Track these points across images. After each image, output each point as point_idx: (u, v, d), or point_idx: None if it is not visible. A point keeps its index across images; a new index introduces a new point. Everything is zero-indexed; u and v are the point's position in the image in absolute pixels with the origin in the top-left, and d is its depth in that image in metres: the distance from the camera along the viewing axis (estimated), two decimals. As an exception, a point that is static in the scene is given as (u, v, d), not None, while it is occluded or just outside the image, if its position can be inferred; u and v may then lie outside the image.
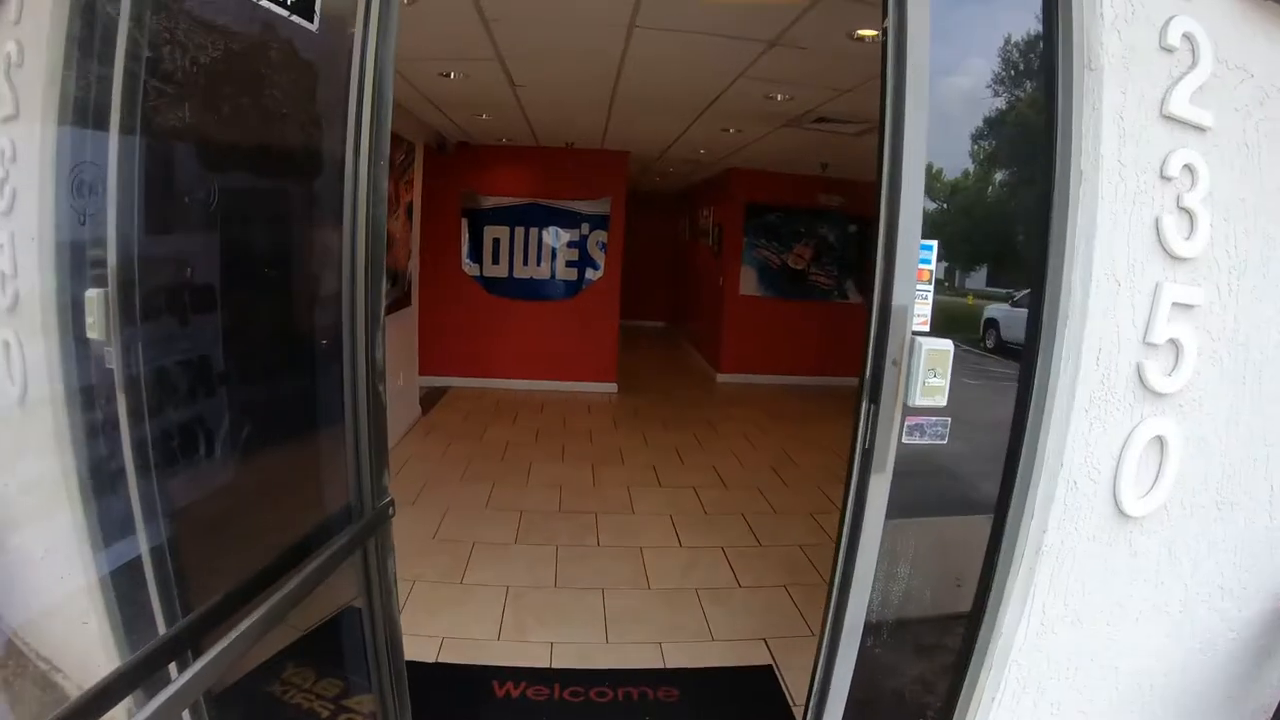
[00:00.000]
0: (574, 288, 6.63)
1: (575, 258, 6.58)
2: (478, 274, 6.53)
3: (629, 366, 7.92)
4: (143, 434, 1.37)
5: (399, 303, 4.76)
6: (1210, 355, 1.40)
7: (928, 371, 1.26)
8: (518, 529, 3.59)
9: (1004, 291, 1.71)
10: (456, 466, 4.43)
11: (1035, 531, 1.36)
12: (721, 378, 7.83)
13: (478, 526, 3.58)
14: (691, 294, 10.20)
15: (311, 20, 1.32)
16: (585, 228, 6.56)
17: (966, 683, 1.51)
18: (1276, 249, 1.43)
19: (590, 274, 6.61)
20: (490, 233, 6.51)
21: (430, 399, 6.09)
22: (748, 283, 7.56)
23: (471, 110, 4.84)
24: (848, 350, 8.52)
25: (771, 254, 7.55)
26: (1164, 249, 1.32)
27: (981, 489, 1.48)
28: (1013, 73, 1.48)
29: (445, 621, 2.63)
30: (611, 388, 6.87)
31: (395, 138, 4.90)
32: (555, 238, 6.55)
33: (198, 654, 1.03)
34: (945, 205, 1.44)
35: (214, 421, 1.51)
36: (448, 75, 3.76)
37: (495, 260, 6.60)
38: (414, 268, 5.10)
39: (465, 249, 6.54)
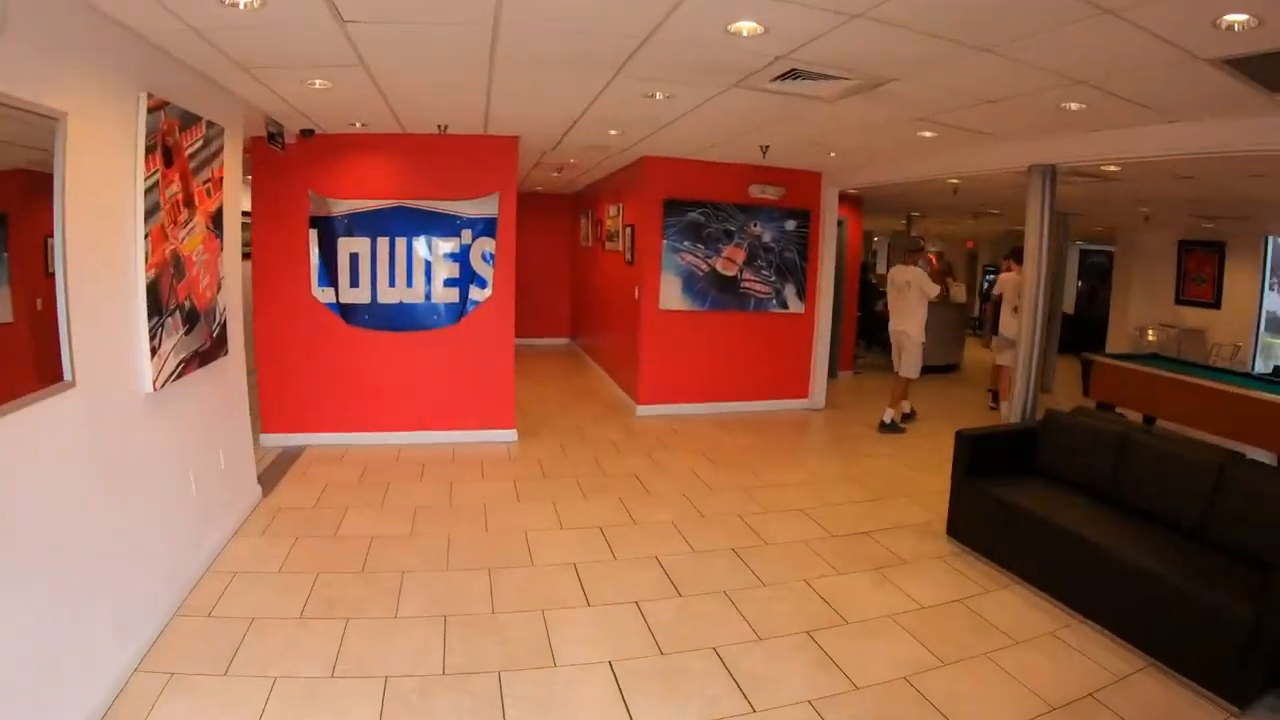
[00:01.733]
0: (456, 312, 5.77)
1: (456, 274, 5.73)
2: (333, 301, 5.57)
3: (530, 400, 7.24)
4: None
5: (205, 354, 3.58)
6: None
7: None
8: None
9: None
10: (297, 591, 3.40)
11: None
12: (642, 410, 7.15)
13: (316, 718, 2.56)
14: (598, 308, 9.52)
15: None
16: (467, 235, 5.71)
17: None
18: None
19: (476, 293, 5.75)
20: (346, 247, 5.57)
21: (279, 468, 5.16)
22: (669, 294, 6.96)
23: (291, 71, 3.62)
24: (789, 369, 7.47)
25: (697, 259, 6.99)
26: None
27: None
28: None
29: None
30: (510, 435, 6.06)
31: (184, 114, 3.25)
32: (430, 249, 5.69)
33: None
34: None
35: None
36: (235, 4, 2.61)
37: (354, 282, 5.62)
38: (228, 301, 3.90)
39: (315, 269, 5.54)
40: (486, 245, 5.82)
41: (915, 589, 3.85)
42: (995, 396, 8.28)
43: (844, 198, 9.07)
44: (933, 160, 5.86)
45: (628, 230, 7.62)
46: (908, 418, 7.37)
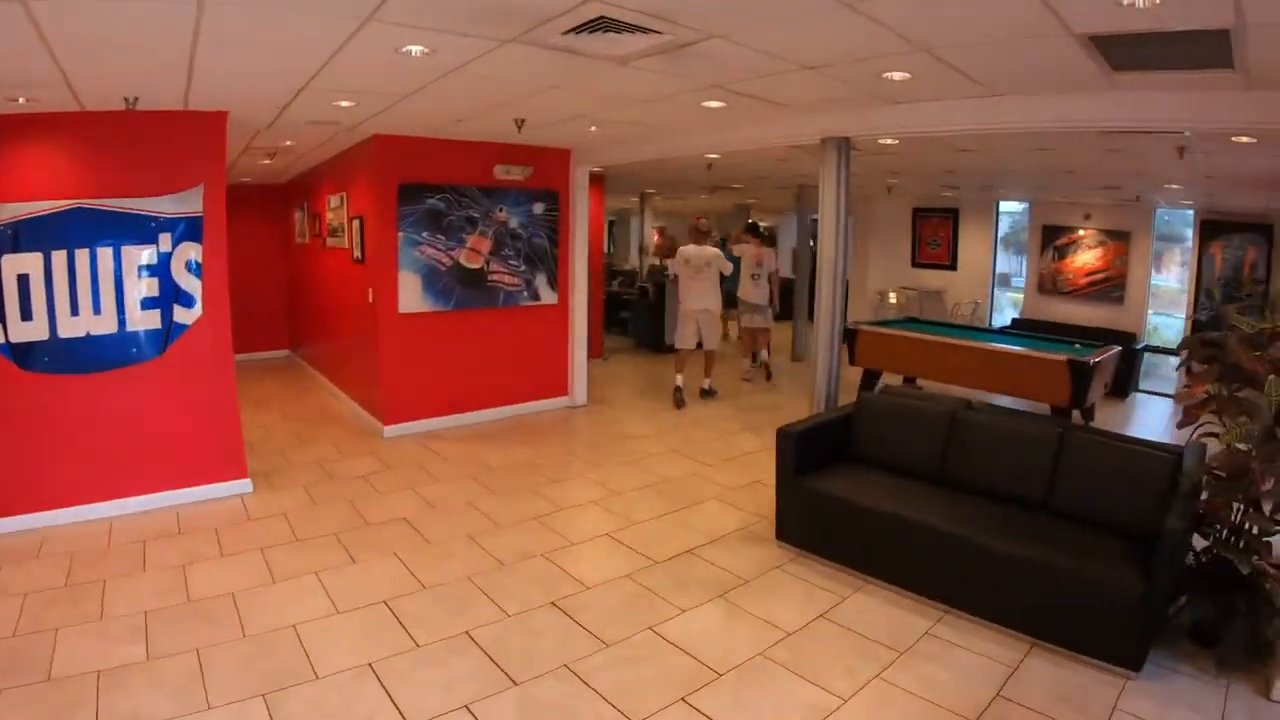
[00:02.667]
0: (160, 341, 5.43)
1: (155, 292, 5.35)
2: (1, 342, 4.98)
3: (256, 433, 7.00)
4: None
5: None
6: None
7: None
8: None
9: None
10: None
11: None
12: (391, 431, 7.24)
13: None
14: (323, 314, 9.32)
15: None
16: (166, 240, 5.34)
17: None
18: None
19: (183, 315, 5.46)
20: (11, 267, 4.93)
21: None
22: (409, 295, 7.13)
23: None
24: (546, 366, 7.92)
25: (439, 251, 7.23)
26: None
27: None
28: None
29: None
30: (244, 487, 5.82)
31: None
32: (120, 262, 5.23)
33: None
34: None
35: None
36: None
37: (26, 314, 5.02)
38: None
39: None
40: (191, 252, 5.39)
41: (771, 611, 4.09)
42: (755, 358, 10.67)
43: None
44: (712, 133, 6.42)
45: (355, 223, 7.53)
46: (707, 393, 9.22)
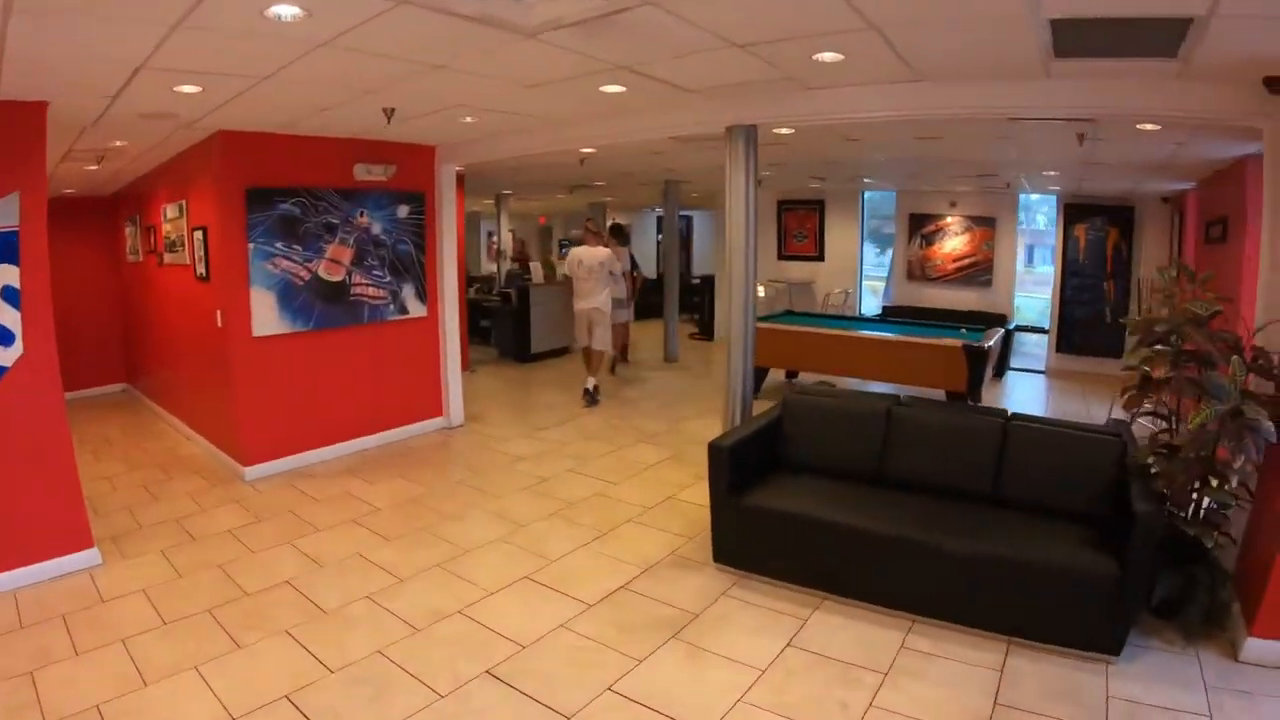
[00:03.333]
0: None
1: None
2: None
3: (98, 488, 6.29)
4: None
5: None
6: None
7: None
8: None
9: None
10: None
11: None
12: (254, 473, 6.57)
13: None
14: (165, 341, 8.47)
15: None
16: None
17: None
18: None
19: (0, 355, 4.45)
20: None
21: None
22: (264, 315, 6.50)
23: None
24: (419, 385, 7.91)
25: (295, 264, 6.65)
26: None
27: None
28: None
29: None
30: (91, 559, 4.97)
31: None
32: None
33: None
34: None
35: None
36: None
37: None
38: None
39: None
40: (7, 276, 4.55)
41: (733, 647, 3.84)
42: (624, 353, 11.34)
43: None
44: (601, 124, 6.13)
45: (197, 235, 6.84)
46: (592, 394, 9.33)
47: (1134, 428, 4.58)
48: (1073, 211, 12.01)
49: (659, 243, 20.62)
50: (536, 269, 12.68)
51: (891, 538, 4.13)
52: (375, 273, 7.29)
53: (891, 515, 4.28)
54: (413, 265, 7.62)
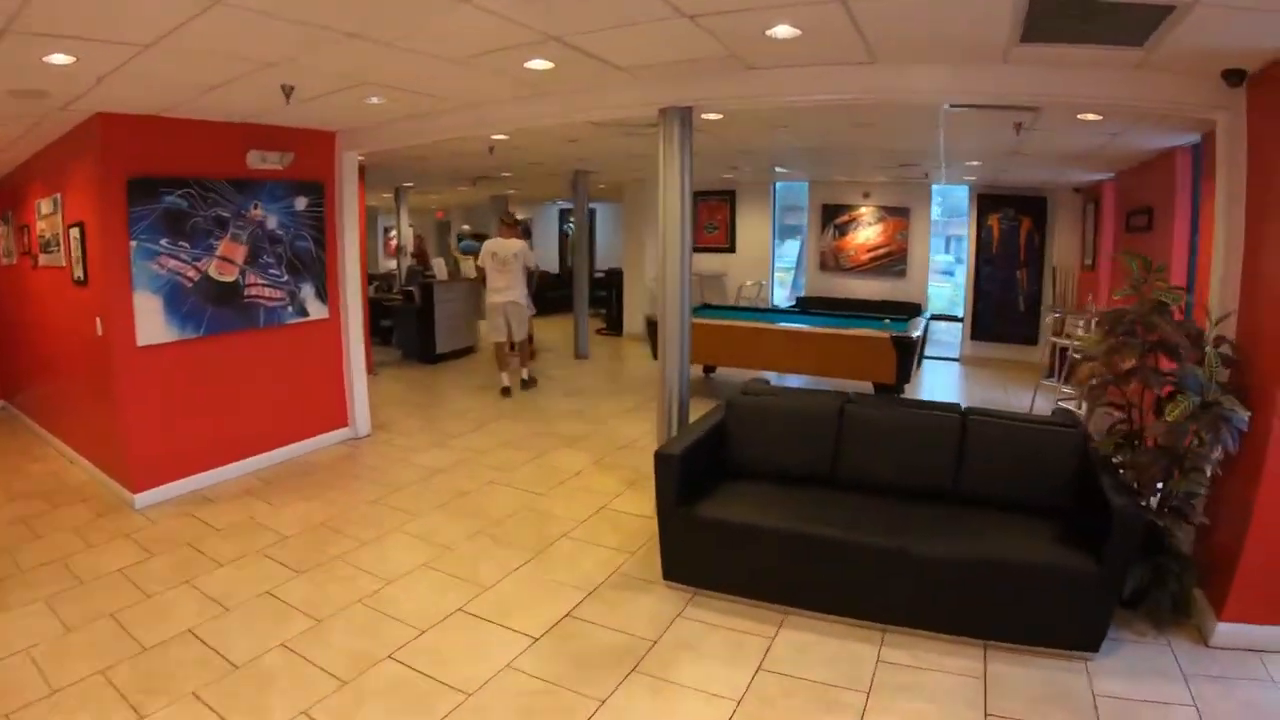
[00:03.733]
0: None
1: None
2: None
3: None
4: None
5: None
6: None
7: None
8: None
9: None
10: None
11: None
12: (144, 500, 6.01)
13: None
14: (41, 353, 7.77)
15: None
16: None
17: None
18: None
19: None
20: None
21: None
22: (150, 321, 5.99)
23: None
24: (322, 394, 7.42)
25: (183, 263, 6.17)
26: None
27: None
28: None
29: None
30: None
31: None
32: None
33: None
34: None
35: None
36: None
37: None
38: None
39: None
40: None
41: (702, 677, 3.61)
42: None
43: None
44: (521, 105, 5.80)
45: (73, 233, 6.27)
46: (507, 391, 9.56)
47: (1061, 414, 4.78)
48: (986, 201, 12.30)
49: (567, 235, 20.33)
50: (440, 265, 12.23)
51: (855, 544, 3.99)
52: (272, 271, 6.84)
53: (852, 520, 4.16)
54: (312, 262, 7.18)
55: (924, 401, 5.05)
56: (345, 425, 7.65)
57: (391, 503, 6.00)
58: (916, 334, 7.97)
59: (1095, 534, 3.71)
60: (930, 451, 4.56)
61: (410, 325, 12.15)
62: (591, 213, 18.96)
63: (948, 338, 13.30)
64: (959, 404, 4.85)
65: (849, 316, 9.63)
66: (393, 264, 15.88)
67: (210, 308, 6.39)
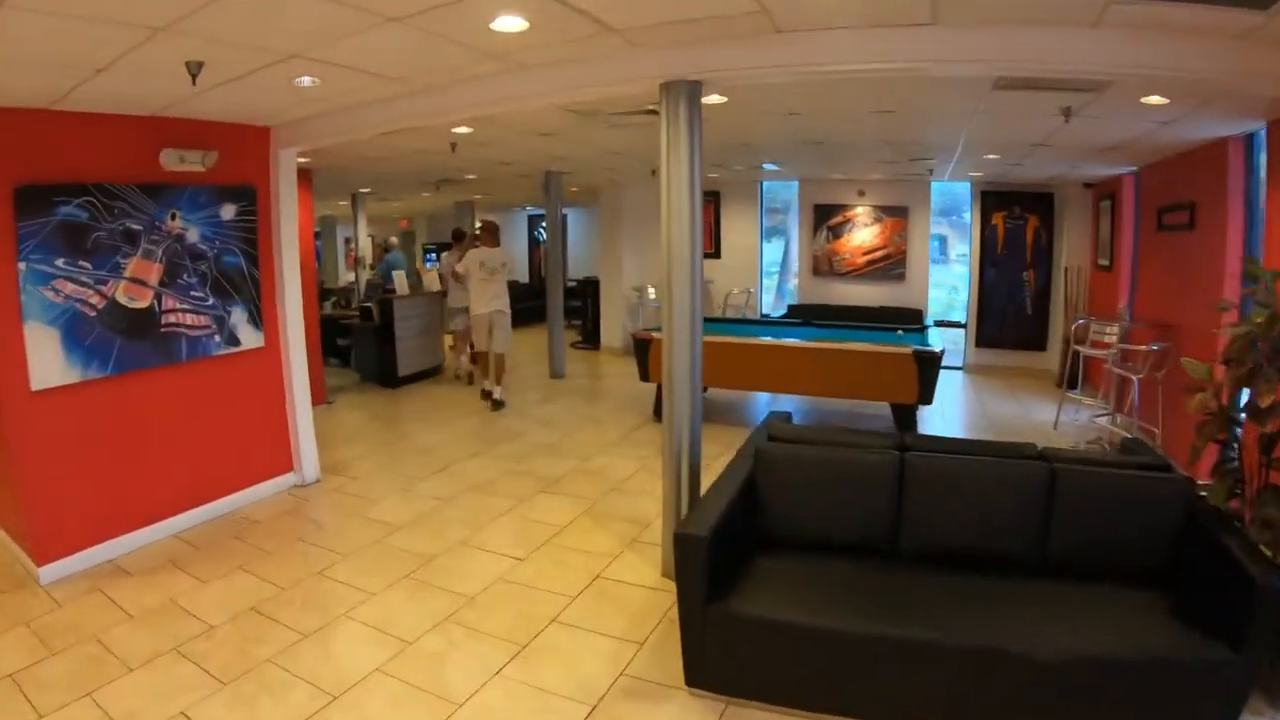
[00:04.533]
0: None
1: None
2: None
3: None
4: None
5: None
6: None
7: None
8: None
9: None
10: None
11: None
12: (54, 573, 5.03)
13: None
14: None
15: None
16: None
17: None
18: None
19: None
20: None
21: None
22: (46, 359, 4.97)
23: None
24: (260, 436, 6.41)
25: (84, 287, 5.16)
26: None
27: None
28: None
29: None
30: None
31: None
32: None
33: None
34: None
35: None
36: None
37: None
38: None
39: None
40: None
41: None
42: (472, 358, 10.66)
43: None
44: (487, 86, 4.83)
45: None
46: (489, 396, 9.47)
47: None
48: (990, 199, 11.49)
49: (538, 242, 19.35)
50: (400, 278, 11.14)
51: (929, 644, 3.11)
52: (194, 294, 5.80)
53: (922, 609, 3.30)
54: (244, 282, 6.15)
55: (998, 445, 4.04)
56: (290, 470, 6.65)
57: (341, 574, 4.98)
58: (940, 348, 7.05)
59: (1218, 610, 3.08)
60: (1012, 509, 3.69)
61: (369, 346, 11.08)
62: (563, 219, 17.93)
63: (952, 345, 12.40)
64: (1036, 445, 3.97)
65: (855, 328, 8.75)
66: (354, 277, 14.73)
67: (120, 340, 5.36)
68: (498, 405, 9.49)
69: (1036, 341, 11.52)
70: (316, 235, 18.58)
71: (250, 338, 6.21)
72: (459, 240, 11.38)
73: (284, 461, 6.57)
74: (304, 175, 8.81)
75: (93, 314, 5.18)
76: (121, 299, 5.35)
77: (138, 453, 5.53)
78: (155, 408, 5.63)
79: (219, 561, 5.20)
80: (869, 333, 8.52)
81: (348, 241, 25.40)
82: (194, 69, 4.13)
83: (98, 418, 5.27)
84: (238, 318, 6.10)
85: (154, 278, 5.54)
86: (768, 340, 7.85)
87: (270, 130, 6.20)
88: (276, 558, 5.25)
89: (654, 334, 8.11)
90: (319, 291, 12.97)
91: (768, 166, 10.41)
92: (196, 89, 4.47)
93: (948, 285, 15.30)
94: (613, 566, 4.89)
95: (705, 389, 8.57)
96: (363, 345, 11.29)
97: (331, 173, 9.42)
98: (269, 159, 6.27)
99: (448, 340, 11.87)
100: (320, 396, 9.17)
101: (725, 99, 5.34)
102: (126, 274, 5.39)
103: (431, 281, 11.66)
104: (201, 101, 4.97)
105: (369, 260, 14.01)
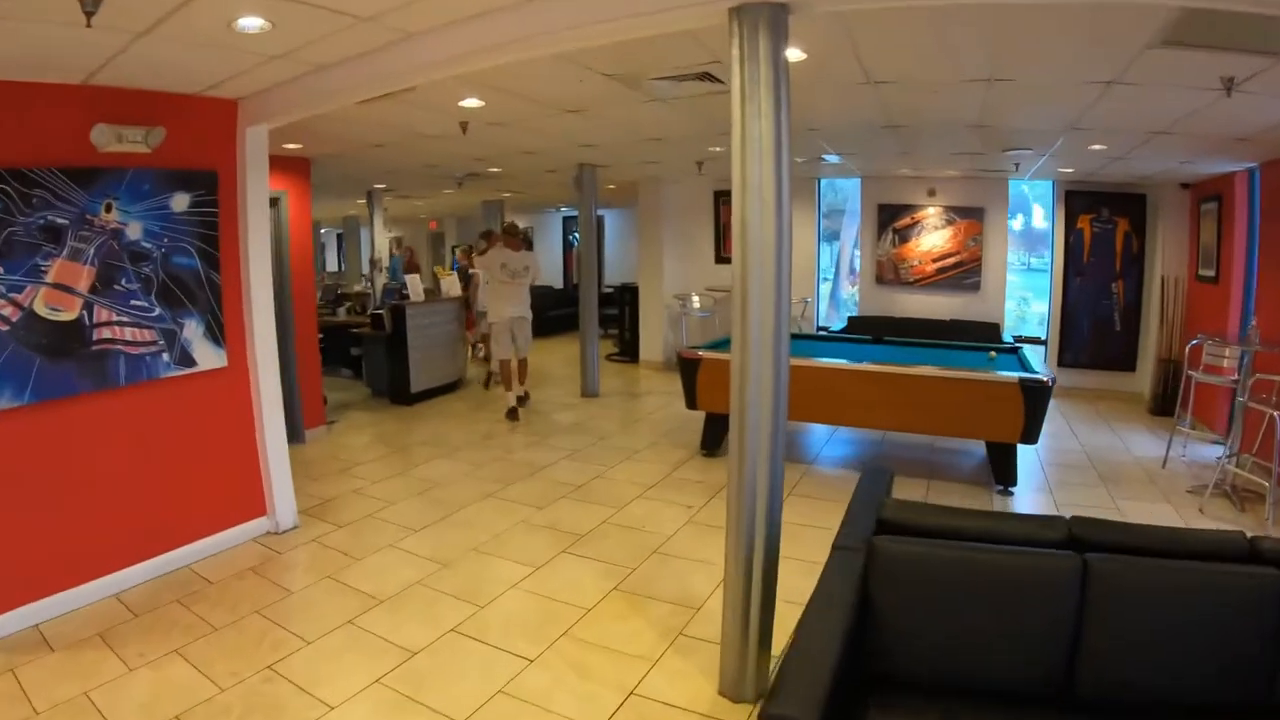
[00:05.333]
0: None
1: None
2: None
3: None
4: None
5: None
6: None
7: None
8: None
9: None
10: None
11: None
12: None
13: None
14: None
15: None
16: None
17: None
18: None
19: None
20: None
21: None
22: None
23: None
24: (222, 475, 5.28)
25: None
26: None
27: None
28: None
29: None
30: None
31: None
32: None
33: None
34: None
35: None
36: None
37: None
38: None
39: None
40: None
41: None
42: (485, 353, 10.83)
43: (281, 164, 6.98)
44: (498, 23, 3.57)
45: None
46: (514, 414, 8.95)
47: None
48: (1076, 200, 10.22)
49: (573, 246, 18.23)
50: (415, 282, 10.00)
51: None
52: (135, 303, 4.71)
53: None
54: (200, 288, 5.05)
55: (1208, 538, 2.69)
56: (262, 514, 5.53)
57: (297, 670, 3.81)
58: (1050, 376, 5.81)
59: None
60: (1234, 638, 2.48)
61: (379, 357, 9.94)
62: (599, 220, 16.76)
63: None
64: (1245, 534, 2.70)
65: (933, 346, 7.48)
66: (370, 280, 13.67)
67: (40, 360, 4.31)
68: (523, 401, 9.30)
69: (1124, 361, 10.20)
70: (339, 237, 17.69)
71: (209, 356, 5.09)
72: (488, 241, 10.83)
73: (254, 504, 5.47)
74: (301, 166, 7.83)
75: (4, 328, 4.13)
76: (41, 309, 4.29)
77: (66, 498, 4.48)
78: (88, 442, 4.57)
79: (156, 638, 4.12)
80: (951, 353, 7.30)
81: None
82: (88, 6, 2.98)
83: (12, 456, 4.24)
84: (192, 332, 4.99)
85: (83, 283, 4.47)
86: (839, 364, 6.58)
87: (237, 104, 5.07)
88: (224, 638, 4.13)
89: (703, 353, 6.92)
90: (334, 296, 11.96)
91: (829, 159, 9.08)
92: (120, 57, 3.28)
93: (1015, 295, 13.87)
94: (652, 677, 3.67)
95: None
96: (373, 357, 10.18)
97: (335, 164, 8.34)
98: (234, 139, 5.14)
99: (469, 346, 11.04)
100: (319, 417, 8.10)
101: (805, 55, 4.22)
102: (48, 279, 4.34)
103: (451, 286, 10.49)
104: (132, 62, 3.93)
105: (385, 262, 12.91)
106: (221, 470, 5.28)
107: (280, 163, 7.17)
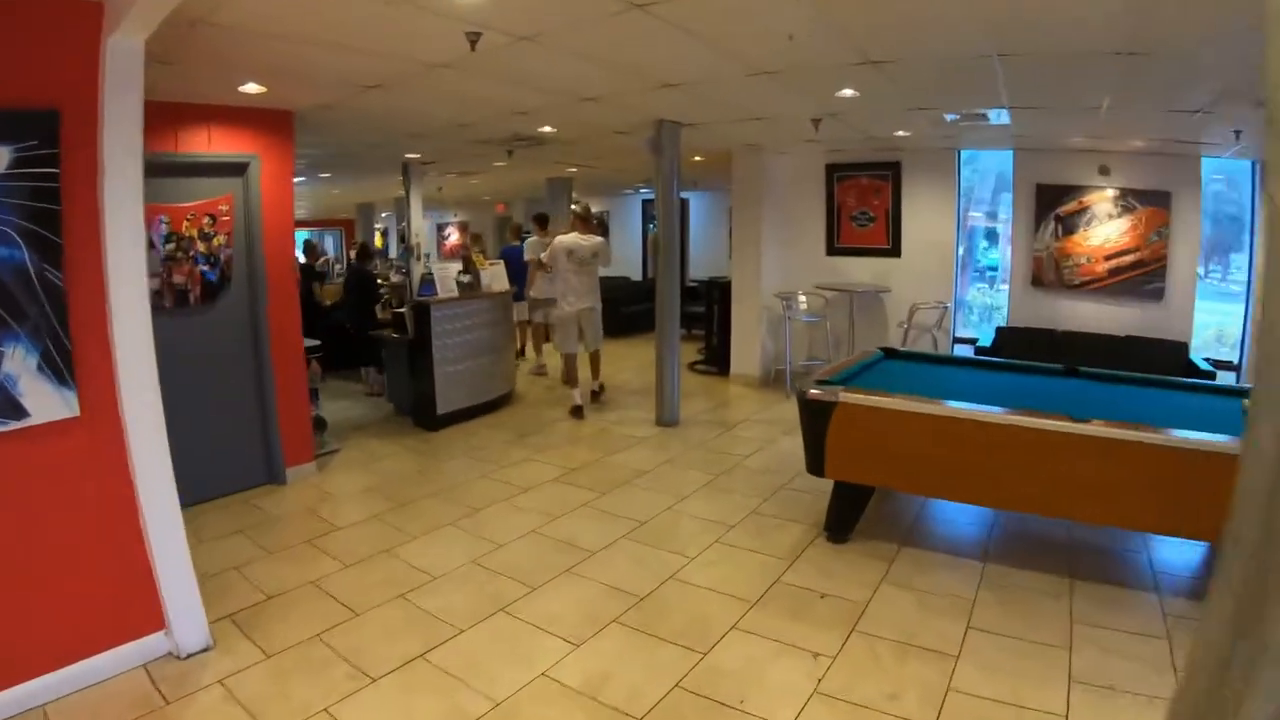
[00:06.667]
0: None
1: None
2: None
3: None
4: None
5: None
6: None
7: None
8: None
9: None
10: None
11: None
12: None
13: None
14: None
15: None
16: None
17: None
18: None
19: None
20: None
21: None
22: None
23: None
24: (92, 578, 3.59)
25: None
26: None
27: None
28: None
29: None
30: None
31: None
32: None
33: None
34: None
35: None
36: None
37: None
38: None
39: None
40: None
41: None
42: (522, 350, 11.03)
43: (254, 118, 5.64)
44: None
45: None
46: (579, 411, 8.44)
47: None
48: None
49: (649, 235, 16.22)
50: (444, 272, 8.10)
51: None
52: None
53: None
54: (26, 295, 3.19)
55: None
56: (158, 629, 3.65)
57: None
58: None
59: None
60: None
61: (400, 366, 8.09)
62: (683, 204, 14.57)
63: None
64: None
65: (1147, 383, 5.33)
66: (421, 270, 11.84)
67: None
68: (597, 395, 8.99)
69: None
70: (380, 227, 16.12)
71: (47, 402, 3.28)
72: (541, 225, 10.56)
73: (144, 616, 3.69)
74: (279, 121, 6.11)
75: None
76: None
77: None
78: None
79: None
80: (1177, 396, 5.06)
81: (441, 230, 22.66)
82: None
83: None
84: (18, 365, 3.13)
85: None
86: (1052, 425, 4.28)
87: (102, 6, 3.18)
88: None
89: (841, 393, 4.73)
90: (368, 284, 10.12)
91: (995, 118, 6.80)
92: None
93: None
94: None
95: (870, 492, 5.20)
96: (395, 367, 8.34)
97: (336, 123, 6.59)
98: (95, 59, 3.25)
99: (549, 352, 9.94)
100: (305, 451, 6.25)
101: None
102: None
103: (495, 278, 8.55)
104: None
105: (422, 249, 11.09)
106: (83, 571, 3.50)
107: (252, 117, 5.75)
